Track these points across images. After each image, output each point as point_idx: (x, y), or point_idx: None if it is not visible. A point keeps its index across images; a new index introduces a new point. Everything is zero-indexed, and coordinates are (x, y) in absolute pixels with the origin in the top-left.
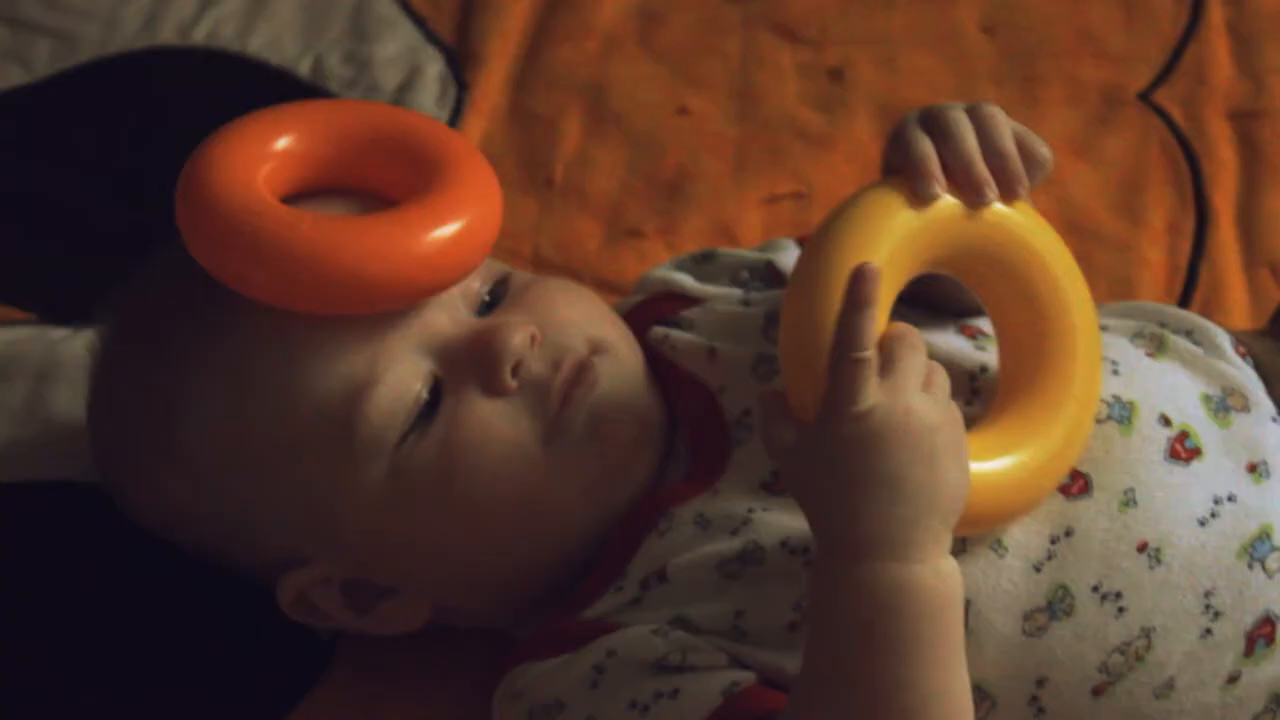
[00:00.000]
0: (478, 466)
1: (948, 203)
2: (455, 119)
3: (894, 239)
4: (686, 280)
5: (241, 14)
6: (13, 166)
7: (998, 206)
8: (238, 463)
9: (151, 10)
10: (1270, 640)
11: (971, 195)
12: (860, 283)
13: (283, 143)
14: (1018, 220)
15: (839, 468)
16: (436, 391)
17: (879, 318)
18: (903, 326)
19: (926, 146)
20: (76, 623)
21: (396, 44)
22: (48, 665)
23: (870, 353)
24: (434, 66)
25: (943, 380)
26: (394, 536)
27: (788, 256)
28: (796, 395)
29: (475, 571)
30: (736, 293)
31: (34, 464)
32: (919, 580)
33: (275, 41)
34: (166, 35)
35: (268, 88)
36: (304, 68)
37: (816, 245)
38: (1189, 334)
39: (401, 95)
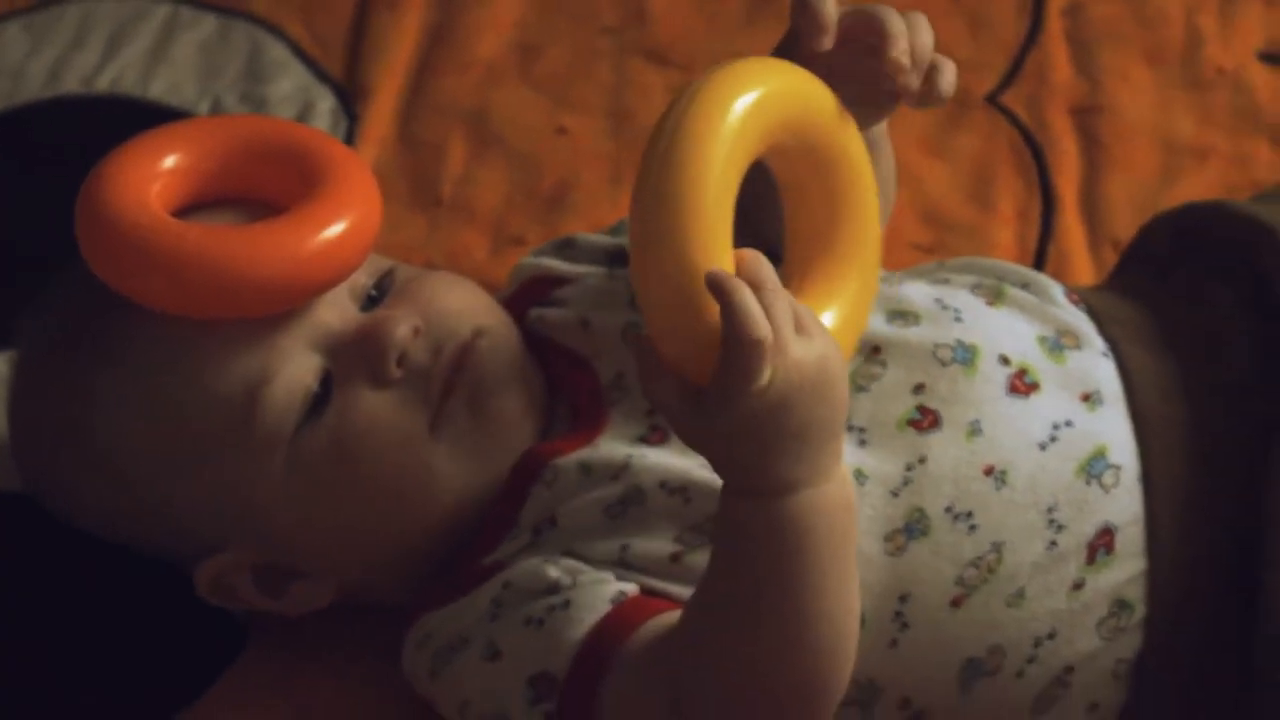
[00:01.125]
0: (367, 454)
1: (800, 81)
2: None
3: (739, 127)
4: (554, 263)
5: (141, 62)
6: None
7: (829, 101)
8: (150, 461)
9: (55, 63)
10: (1110, 549)
11: (896, 79)
12: (750, 268)
13: (170, 161)
14: (844, 115)
15: (746, 438)
16: (328, 385)
17: (727, 230)
18: (751, 267)
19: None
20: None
21: (289, 83)
22: None
23: (768, 331)
24: (325, 102)
25: (805, 311)
26: (297, 522)
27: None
28: (670, 351)
29: (376, 551)
30: (603, 270)
31: None
32: (829, 497)
33: (175, 87)
34: (70, 85)
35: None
36: (203, 109)
37: (657, 171)
38: (1025, 286)
39: None
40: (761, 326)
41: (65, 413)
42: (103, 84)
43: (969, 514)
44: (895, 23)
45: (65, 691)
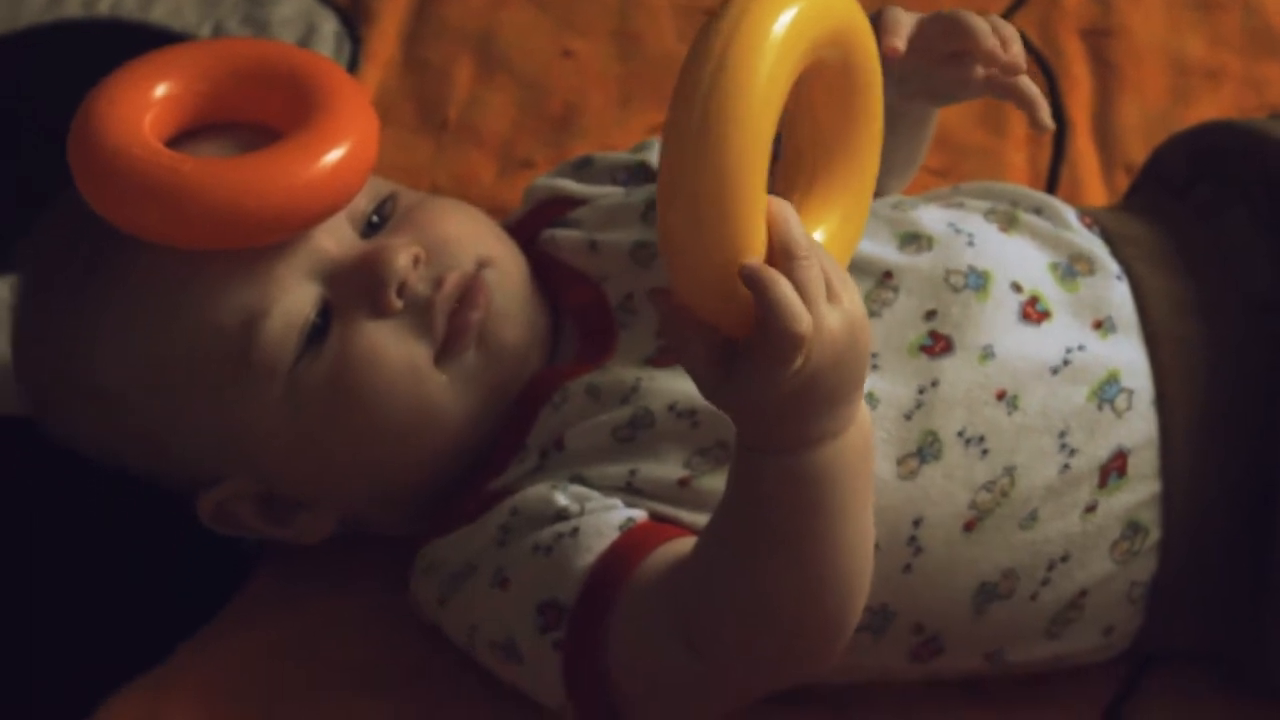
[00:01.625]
0: (368, 386)
1: None
2: (351, 70)
3: (785, 52)
4: (569, 184)
5: None
6: None
7: (860, 17)
8: (148, 392)
9: None
10: (1122, 472)
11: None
12: (781, 230)
13: (163, 88)
14: (869, 33)
15: (775, 406)
16: (327, 315)
17: (764, 162)
18: (783, 230)
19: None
20: (14, 537)
21: (291, 6)
22: None
23: (808, 325)
24: (328, 25)
25: (841, 279)
26: (297, 455)
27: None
28: (702, 307)
29: (379, 483)
30: (619, 190)
31: None
32: (853, 441)
33: (177, 10)
34: (71, 9)
35: None
36: (204, 32)
37: (702, 110)
38: (1038, 211)
39: None
40: (802, 321)
41: (63, 345)
42: (103, 8)
43: (981, 438)
44: (979, 22)
45: (73, 615)
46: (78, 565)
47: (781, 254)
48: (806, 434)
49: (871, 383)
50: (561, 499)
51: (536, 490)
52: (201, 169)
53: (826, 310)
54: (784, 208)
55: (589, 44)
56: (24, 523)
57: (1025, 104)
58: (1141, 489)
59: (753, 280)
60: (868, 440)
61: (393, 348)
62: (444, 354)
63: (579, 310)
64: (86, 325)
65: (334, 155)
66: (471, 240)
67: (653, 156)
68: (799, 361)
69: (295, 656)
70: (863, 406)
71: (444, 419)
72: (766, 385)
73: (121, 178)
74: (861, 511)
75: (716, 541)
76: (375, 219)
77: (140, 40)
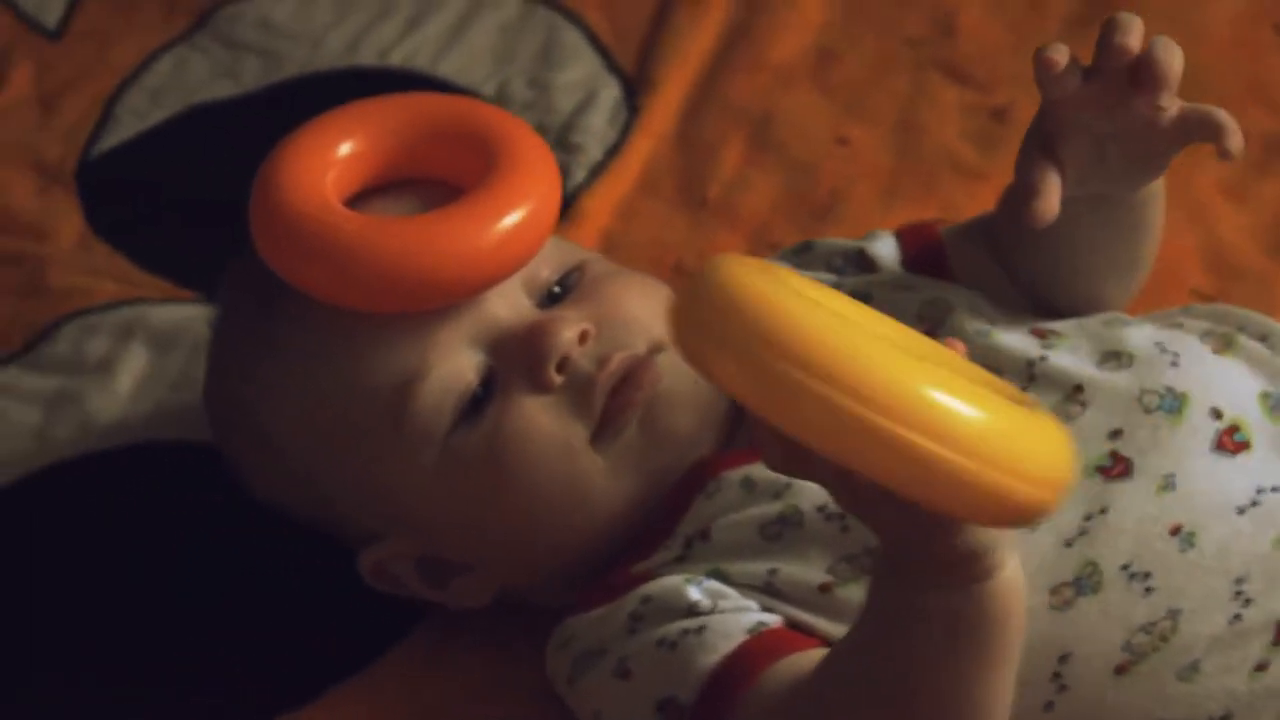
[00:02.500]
0: (521, 461)
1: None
2: (623, 139)
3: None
4: (785, 268)
5: (439, 40)
6: (202, 170)
7: None
8: (310, 447)
9: (355, 35)
10: None
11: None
12: None
13: (346, 147)
14: None
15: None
16: (490, 384)
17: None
18: None
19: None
20: (188, 567)
21: (578, 71)
22: (166, 609)
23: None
24: (610, 93)
25: None
26: (449, 522)
27: (881, 245)
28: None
29: (530, 556)
30: (831, 277)
31: (186, 426)
32: (996, 590)
33: (466, 67)
34: (366, 58)
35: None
36: (489, 90)
37: None
38: (1264, 338)
39: (575, 117)
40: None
41: (236, 395)
42: (396, 58)
43: (1147, 574)
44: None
45: (232, 645)
46: (244, 597)
47: None
48: (953, 570)
49: None
50: (694, 593)
51: (672, 581)
52: (374, 228)
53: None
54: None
55: (866, 132)
56: (202, 549)
57: (1211, 128)
58: None
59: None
60: (1015, 592)
61: (547, 425)
62: (601, 434)
63: None
64: (254, 371)
65: (510, 220)
66: (651, 320)
67: (875, 245)
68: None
69: (437, 715)
70: (1015, 564)
71: (597, 500)
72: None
73: (293, 235)
74: (1001, 669)
75: (839, 672)
76: (557, 289)
77: (427, 91)
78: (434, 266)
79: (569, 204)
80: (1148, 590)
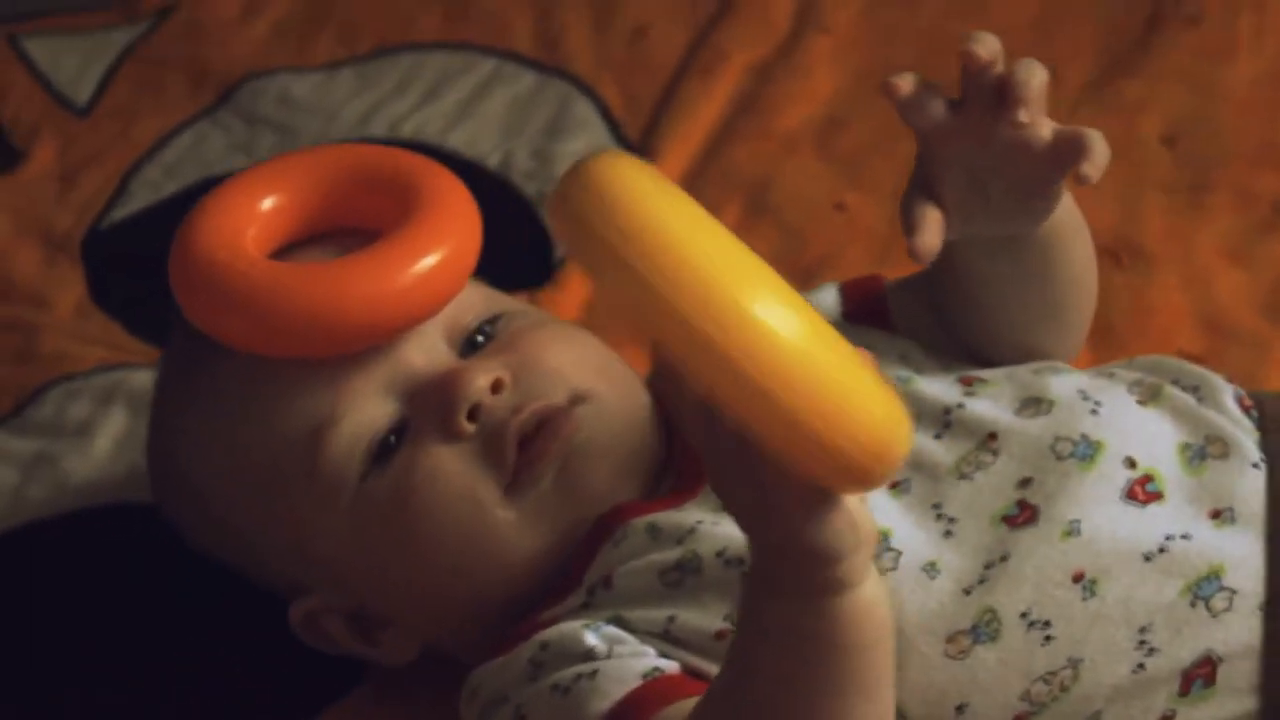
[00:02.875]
0: (428, 509)
1: None
2: None
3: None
4: None
5: (451, 113)
6: None
7: None
8: (231, 496)
9: (371, 108)
10: (1210, 681)
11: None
12: None
13: (269, 201)
14: None
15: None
16: (403, 431)
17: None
18: None
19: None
20: (132, 622)
21: (584, 142)
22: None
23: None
24: None
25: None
26: (364, 572)
27: (823, 295)
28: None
29: (446, 607)
30: None
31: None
32: (860, 600)
33: (474, 139)
34: (378, 130)
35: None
36: (493, 161)
37: None
38: (1195, 389)
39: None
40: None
41: (165, 447)
42: (406, 130)
43: (1046, 622)
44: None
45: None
46: (185, 654)
47: None
48: (800, 573)
49: (937, 551)
50: (591, 639)
51: (569, 627)
52: (281, 274)
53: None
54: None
55: (864, 198)
56: (142, 604)
57: (1078, 149)
58: (1232, 704)
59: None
60: (871, 618)
61: (456, 475)
62: (514, 486)
63: (686, 448)
64: (179, 422)
65: (423, 263)
66: (572, 371)
67: (817, 296)
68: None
69: None
70: (870, 580)
71: (507, 551)
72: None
73: (205, 283)
74: (853, 699)
75: (706, 701)
76: (479, 337)
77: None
78: (344, 310)
79: (554, 270)
80: (1047, 639)
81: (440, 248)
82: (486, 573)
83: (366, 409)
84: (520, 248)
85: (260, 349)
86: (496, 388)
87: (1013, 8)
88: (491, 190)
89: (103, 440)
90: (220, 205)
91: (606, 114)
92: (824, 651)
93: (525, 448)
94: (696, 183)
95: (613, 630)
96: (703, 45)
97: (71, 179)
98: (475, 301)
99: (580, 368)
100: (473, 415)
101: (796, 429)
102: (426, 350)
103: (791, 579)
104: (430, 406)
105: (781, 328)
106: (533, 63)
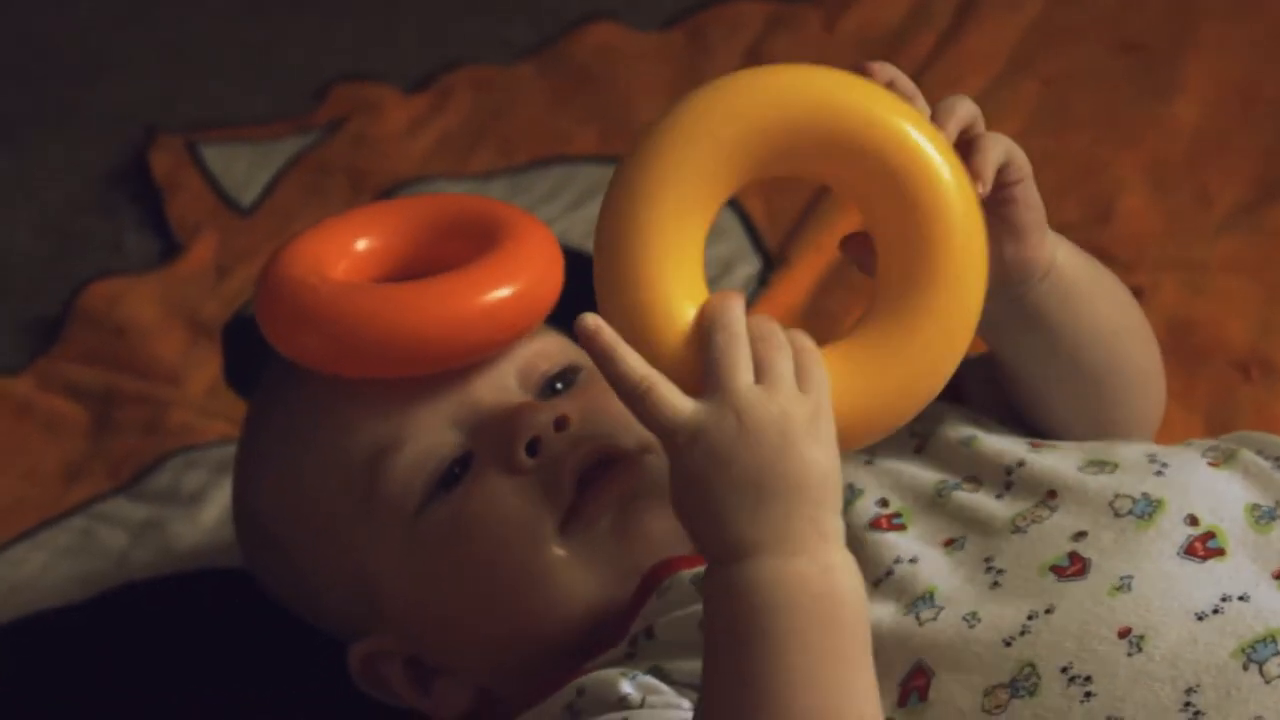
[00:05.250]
0: (484, 541)
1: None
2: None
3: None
4: None
5: (595, 221)
6: None
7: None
8: (291, 523)
9: None
10: None
11: None
12: (712, 307)
13: (364, 243)
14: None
15: (697, 487)
16: (466, 464)
17: (691, 273)
18: (715, 308)
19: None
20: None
21: (723, 248)
22: None
23: (649, 380)
24: (747, 268)
25: (779, 362)
26: (418, 608)
27: None
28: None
29: (498, 650)
30: None
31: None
32: (800, 572)
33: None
34: None
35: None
36: None
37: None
38: (1277, 459)
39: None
40: (630, 378)
41: (239, 488)
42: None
43: (1087, 678)
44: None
45: None
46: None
47: (706, 321)
48: (736, 533)
49: (979, 602)
50: (626, 687)
51: (607, 674)
52: (355, 292)
53: (738, 385)
54: (726, 295)
55: None
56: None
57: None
58: None
59: (583, 338)
60: (835, 593)
61: (512, 507)
62: (571, 523)
63: None
64: (250, 451)
65: (497, 292)
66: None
67: None
68: (681, 427)
69: None
70: (835, 559)
71: (561, 588)
72: (672, 456)
73: (281, 300)
74: (823, 677)
75: (701, 699)
76: (558, 385)
77: (570, 263)
78: (415, 328)
79: None
80: (1087, 695)
81: (516, 280)
82: (538, 611)
83: (430, 438)
84: None
85: (331, 367)
86: (560, 425)
87: (1167, 137)
88: None
89: (212, 509)
90: (312, 238)
91: (747, 222)
92: (732, 624)
93: (588, 487)
94: (828, 293)
95: (649, 680)
96: None
97: (226, 271)
98: (554, 350)
99: None
100: (535, 450)
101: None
102: (496, 387)
103: (699, 541)
104: (492, 438)
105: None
106: None
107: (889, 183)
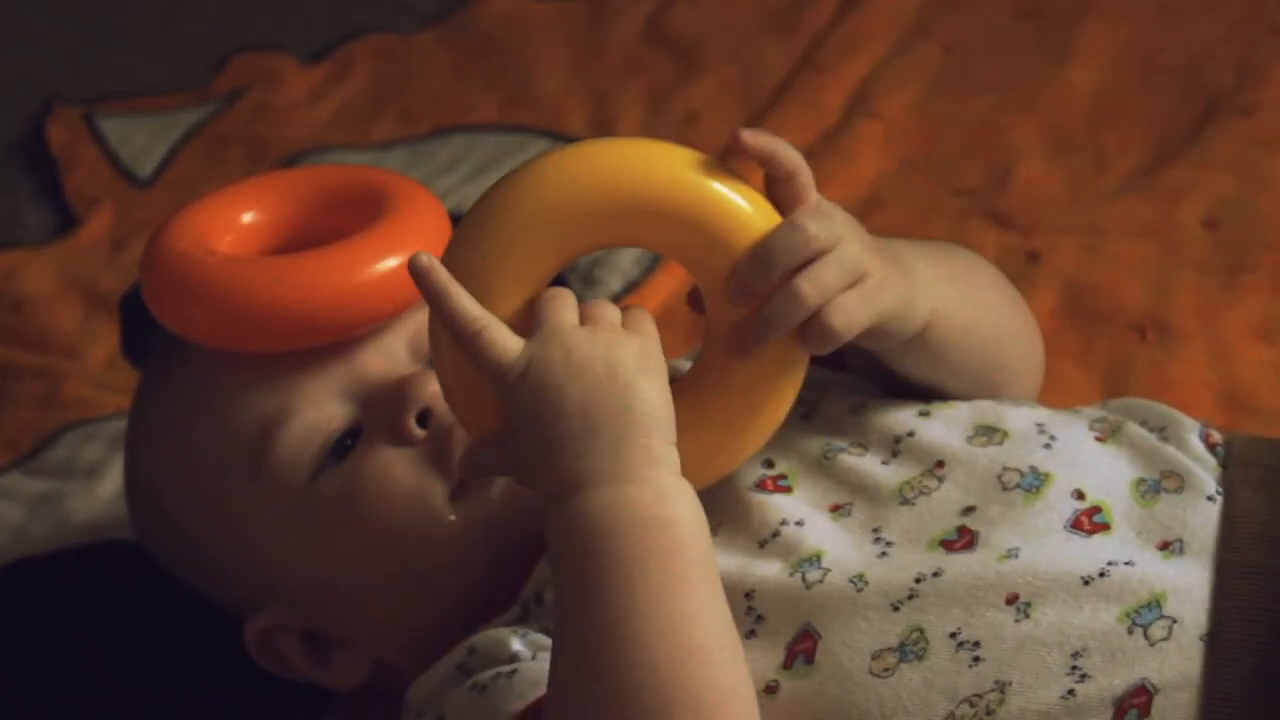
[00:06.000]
0: (374, 511)
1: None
2: (643, 277)
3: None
4: None
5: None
6: None
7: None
8: (183, 500)
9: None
10: (1145, 711)
11: None
12: (423, 277)
13: (250, 215)
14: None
15: (530, 425)
16: (355, 435)
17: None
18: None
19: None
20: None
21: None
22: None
23: (483, 320)
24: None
25: (605, 312)
26: (312, 579)
27: None
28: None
29: (392, 619)
30: None
31: None
32: (633, 498)
33: None
34: None
35: None
36: None
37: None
38: (1161, 429)
39: (605, 255)
40: (473, 323)
41: (130, 461)
42: (449, 204)
43: (976, 643)
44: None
45: None
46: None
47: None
48: (567, 467)
49: (866, 564)
50: (517, 644)
51: (497, 633)
52: (240, 265)
53: (564, 324)
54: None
55: None
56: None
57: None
58: None
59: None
60: (670, 518)
61: (403, 476)
62: (462, 490)
63: None
64: (140, 428)
65: (384, 261)
66: None
67: None
68: (509, 363)
69: None
70: (667, 485)
71: (451, 560)
72: (502, 397)
73: (166, 275)
74: (668, 602)
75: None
76: None
77: None
78: (301, 301)
79: None
80: (975, 660)
81: (403, 250)
82: (432, 578)
83: (318, 409)
84: None
85: (218, 341)
86: None
87: (1066, 103)
88: None
89: (110, 482)
90: (197, 212)
91: None
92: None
93: None
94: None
95: (540, 637)
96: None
97: (123, 244)
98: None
99: None
100: (425, 421)
101: None
102: (386, 357)
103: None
104: (381, 409)
105: None
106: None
107: (704, 241)
